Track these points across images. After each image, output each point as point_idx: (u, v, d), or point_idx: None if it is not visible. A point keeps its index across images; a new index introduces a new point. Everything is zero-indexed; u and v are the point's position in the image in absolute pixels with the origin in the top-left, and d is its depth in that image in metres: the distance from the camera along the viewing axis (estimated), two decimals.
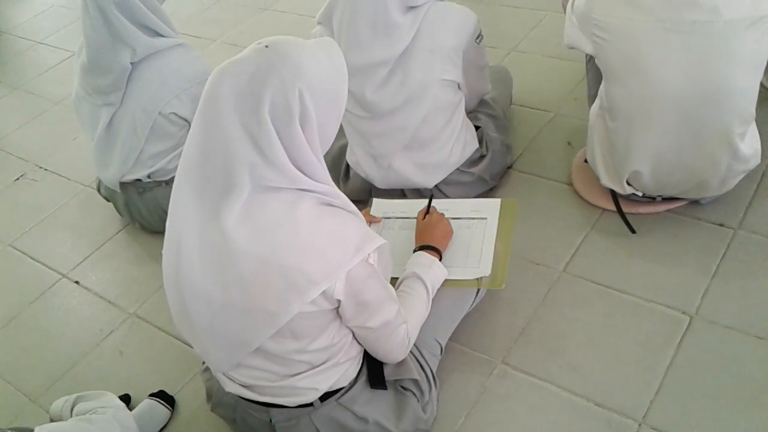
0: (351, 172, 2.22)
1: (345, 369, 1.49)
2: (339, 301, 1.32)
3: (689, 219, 2.01)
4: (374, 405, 1.54)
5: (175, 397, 1.90)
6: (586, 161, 2.12)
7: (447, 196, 2.12)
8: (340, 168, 2.26)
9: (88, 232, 2.53)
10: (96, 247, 2.46)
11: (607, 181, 2.00)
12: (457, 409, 1.71)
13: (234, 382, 1.48)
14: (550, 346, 1.79)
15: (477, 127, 2.21)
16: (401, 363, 1.56)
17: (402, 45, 1.88)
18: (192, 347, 1.48)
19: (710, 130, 1.77)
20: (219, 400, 1.64)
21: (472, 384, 1.75)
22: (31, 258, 2.49)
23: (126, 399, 1.88)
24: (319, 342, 1.38)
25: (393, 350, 1.49)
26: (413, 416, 1.57)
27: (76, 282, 2.35)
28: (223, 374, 1.48)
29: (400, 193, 2.16)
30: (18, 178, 2.91)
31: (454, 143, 2.08)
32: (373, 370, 1.54)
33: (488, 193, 2.22)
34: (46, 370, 2.06)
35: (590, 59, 2.06)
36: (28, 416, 1.95)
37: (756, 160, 1.90)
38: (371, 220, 1.92)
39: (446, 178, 2.11)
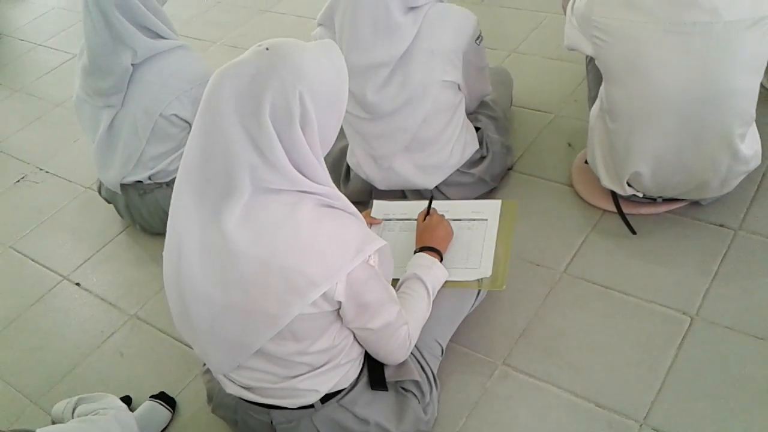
0: (351, 174, 2.22)
1: (346, 370, 1.49)
2: (340, 303, 1.32)
3: (690, 220, 2.01)
4: (375, 406, 1.54)
5: (176, 399, 1.90)
6: (586, 162, 2.12)
7: (447, 197, 2.12)
8: (340, 170, 2.26)
9: (88, 234, 2.53)
10: (97, 249, 2.46)
11: (607, 183, 2.00)
12: (458, 411, 1.71)
13: (235, 383, 1.48)
14: (551, 347, 1.79)
15: (477, 129, 2.21)
16: (402, 364, 1.56)
17: (403, 46, 1.89)
18: (193, 349, 1.48)
19: (710, 131, 1.77)
20: (220, 402, 1.64)
21: (472, 385, 1.75)
22: (32, 260, 2.49)
23: (127, 401, 1.88)
24: (319, 344, 1.38)
25: (394, 351, 1.49)
26: (414, 417, 1.57)
27: (77, 284, 2.35)
28: (224, 376, 1.49)
29: (401, 194, 2.16)
30: (19, 180, 2.91)
31: (455, 144, 2.09)
32: (374, 372, 1.54)
33: (489, 195, 2.22)
34: (47, 372, 2.06)
35: (590, 61, 2.06)
36: (29, 418, 1.95)
37: (756, 161, 1.90)
38: (372, 222, 1.92)
39: (446, 179, 2.11)
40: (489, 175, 2.18)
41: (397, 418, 1.56)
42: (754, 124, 1.84)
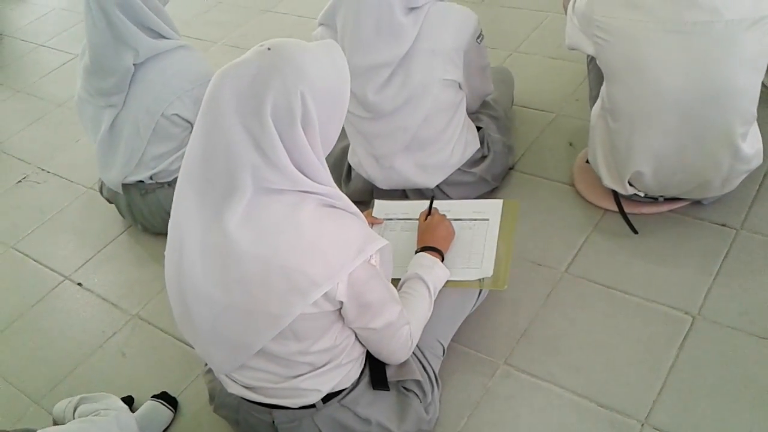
0: (353, 173, 2.23)
1: (347, 370, 1.49)
2: (341, 303, 1.33)
3: (691, 219, 2.01)
4: (377, 406, 1.54)
5: (177, 399, 1.90)
6: (587, 162, 2.12)
7: (448, 197, 2.12)
8: (341, 169, 2.26)
9: (90, 234, 2.54)
10: (98, 249, 2.46)
11: (608, 182, 2.00)
12: (460, 410, 1.71)
13: (236, 383, 1.49)
14: (553, 347, 1.79)
15: (479, 128, 2.22)
16: (403, 364, 1.56)
17: (406, 46, 1.89)
18: (194, 349, 1.48)
19: (712, 130, 1.77)
20: (222, 402, 1.64)
21: (474, 385, 1.75)
22: (34, 260, 2.49)
23: (129, 401, 1.88)
24: (321, 343, 1.38)
25: (396, 351, 1.49)
26: (416, 417, 1.57)
27: (79, 284, 2.35)
28: (226, 376, 1.49)
29: (402, 194, 2.16)
30: (20, 181, 2.91)
31: (456, 143, 2.09)
32: (376, 372, 1.54)
33: (490, 194, 2.22)
34: (49, 372, 2.07)
35: (591, 60, 2.06)
36: (31, 418, 1.95)
37: (758, 160, 1.89)
38: (373, 222, 1.92)
39: (448, 178, 2.11)
40: (490, 174, 2.18)
41: (399, 418, 1.56)
42: (756, 123, 1.84)
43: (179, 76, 2.13)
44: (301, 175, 1.24)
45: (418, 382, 1.58)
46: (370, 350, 1.51)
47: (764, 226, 1.95)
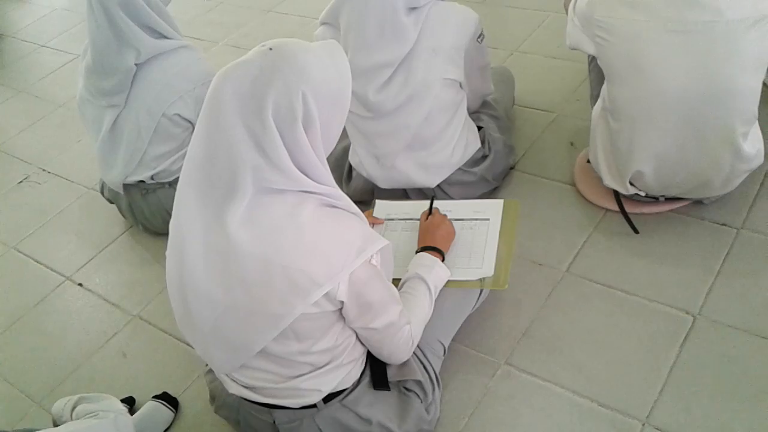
0: (354, 173, 2.23)
1: (348, 370, 1.49)
2: (342, 303, 1.33)
3: (692, 219, 2.01)
4: (377, 406, 1.54)
5: (178, 399, 1.90)
6: (588, 162, 2.12)
7: (449, 196, 2.12)
8: (342, 169, 2.26)
9: (91, 235, 2.54)
10: (99, 250, 2.46)
11: (609, 182, 2.00)
12: (461, 410, 1.71)
13: (237, 383, 1.49)
14: (554, 347, 1.79)
15: (479, 128, 2.22)
16: (404, 364, 1.56)
17: (408, 46, 1.89)
18: (195, 349, 1.48)
19: (713, 130, 1.77)
20: (222, 402, 1.64)
21: (475, 385, 1.75)
22: (35, 260, 2.49)
23: (130, 401, 1.88)
24: (322, 343, 1.38)
25: (397, 351, 1.49)
26: (416, 417, 1.57)
27: (80, 284, 2.35)
28: (227, 376, 1.49)
29: (403, 193, 2.16)
30: (21, 181, 2.91)
31: (456, 143, 2.09)
32: (377, 372, 1.54)
33: (491, 194, 2.22)
34: (50, 373, 2.07)
35: (592, 60, 2.06)
36: (32, 418, 1.96)
37: (759, 160, 1.89)
38: (374, 222, 1.92)
39: (448, 178, 2.11)
40: (491, 174, 2.18)
41: (400, 418, 1.56)
42: (757, 122, 1.84)
43: (181, 76, 2.13)
44: (303, 175, 1.24)
45: (419, 382, 1.58)
46: (371, 350, 1.51)
47: (765, 225, 1.95)
